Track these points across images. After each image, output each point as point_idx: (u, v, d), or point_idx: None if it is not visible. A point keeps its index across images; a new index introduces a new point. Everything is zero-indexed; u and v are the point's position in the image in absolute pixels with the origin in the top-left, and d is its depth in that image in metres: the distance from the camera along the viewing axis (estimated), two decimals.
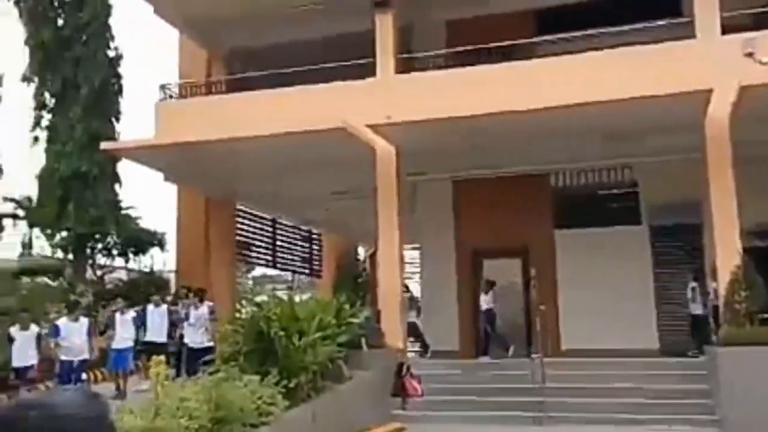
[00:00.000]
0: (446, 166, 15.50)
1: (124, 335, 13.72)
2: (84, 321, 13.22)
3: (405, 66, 15.01)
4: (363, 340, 11.74)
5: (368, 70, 14.79)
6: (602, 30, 14.38)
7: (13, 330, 12.98)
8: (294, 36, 16.38)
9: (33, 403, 1.14)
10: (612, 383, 12.33)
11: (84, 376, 12.98)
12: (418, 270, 17.72)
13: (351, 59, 14.74)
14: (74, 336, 12.84)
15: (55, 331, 12.87)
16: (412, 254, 18.15)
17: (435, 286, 16.63)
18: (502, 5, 15.67)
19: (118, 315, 13.87)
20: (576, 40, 14.62)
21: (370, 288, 16.41)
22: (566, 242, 15.85)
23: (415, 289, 18.11)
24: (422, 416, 12.00)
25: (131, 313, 13.91)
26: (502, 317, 15.56)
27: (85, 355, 12.99)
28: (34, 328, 13.11)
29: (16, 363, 12.88)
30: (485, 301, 15.38)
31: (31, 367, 12.99)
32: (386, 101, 14.02)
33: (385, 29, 14.77)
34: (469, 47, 14.49)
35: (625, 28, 14.40)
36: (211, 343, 12.36)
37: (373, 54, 14.77)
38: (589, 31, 14.45)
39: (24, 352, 12.88)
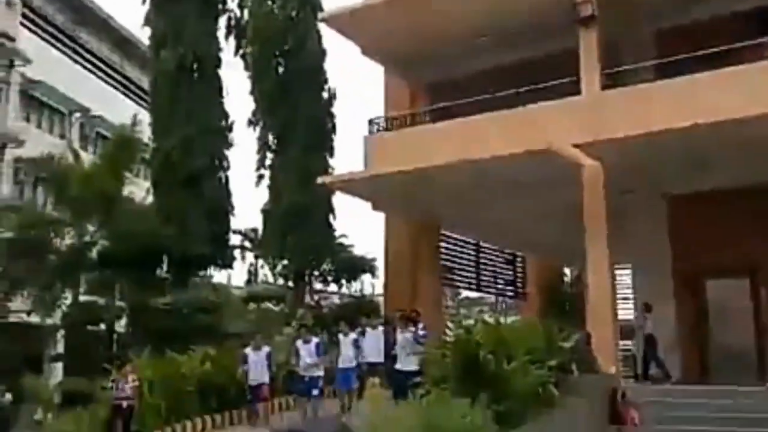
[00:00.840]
0: (659, 181, 14.72)
1: (347, 356, 14.40)
2: (314, 340, 14.16)
3: (611, 81, 14.54)
4: (574, 365, 11.37)
5: (571, 89, 14.52)
6: None
7: (248, 350, 14.19)
8: (491, 62, 16.49)
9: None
10: None
11: (315, 392, 13.74)
12: (630, 291, 16.82)
13: (551, 79, 14.58)
14: (306, 356, 13.85)
15: (296, 353, 14.04)
16: (622, 275, 17.26)
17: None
18: (715, 8, 14.66)
19: (341, 336, 14.61)
20: None
21: (577, 310, 15.87)
22: None
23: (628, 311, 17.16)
24: None
25: (353, 336, 14.56)
26: (727, 342, 14.36)
27: (319, 372, 13.84)
28: (266, 349, 14.23)
29: (251, 381, 14.05)
30: (648, 326, 14.58)
31: (262, 384, 14.08)
32: (593, 119, 13.69)
33: (589, 46, 14.48)
34: (681, 56, 13.72)
35: None
36: (415, 367, 12.29)
37: (576, 72, 14.48)
38: None
39: (258, 371, 13.99)
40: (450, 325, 12.52)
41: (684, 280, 15.47)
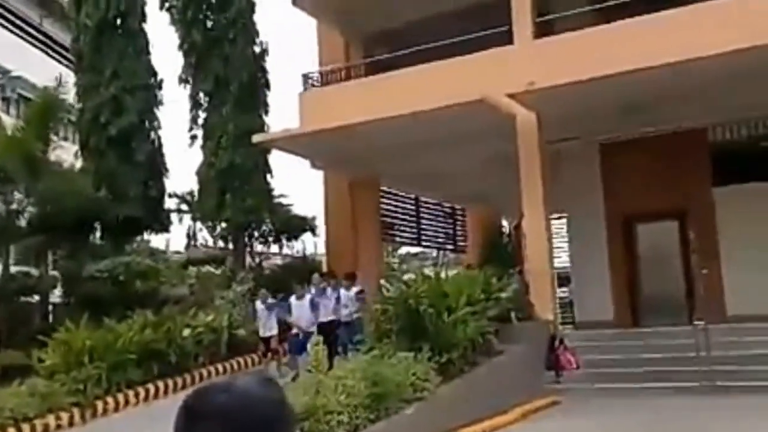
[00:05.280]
0: (592, 129, 14.90)
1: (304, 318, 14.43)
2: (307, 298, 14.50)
3: (543, 30, 14.56)
4: (512, 314, 11.61)
5: (505, 38, 14.50)
6: None
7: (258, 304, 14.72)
8: (427, 12, 16.29)
9: (222, 386, 1.17)
10: None
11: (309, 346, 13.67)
12: (566, 239, 17.19)
13: (486, 29, 14.52)
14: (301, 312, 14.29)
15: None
16: (558, 223, 17.60)
17: (585, 254, 16.08)
18: None
19: (293, 299, 14.62)
20: None
21: (516, 260, 16.17)
22: (727, 200, 14.74)
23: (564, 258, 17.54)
24: (578, 389, 11.72)
25: (308, 297, 14.50)
26: (657, 285, 14.85)
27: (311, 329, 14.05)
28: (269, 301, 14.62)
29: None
30: None
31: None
32: (526, 68, 13.70)
33: None
34: (612, 2, 13.82)
35: None
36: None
37: (510, 21, 14.44)
38: None
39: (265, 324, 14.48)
40: (391, 280, 12.55)
41: (616, 226, 15.86)
